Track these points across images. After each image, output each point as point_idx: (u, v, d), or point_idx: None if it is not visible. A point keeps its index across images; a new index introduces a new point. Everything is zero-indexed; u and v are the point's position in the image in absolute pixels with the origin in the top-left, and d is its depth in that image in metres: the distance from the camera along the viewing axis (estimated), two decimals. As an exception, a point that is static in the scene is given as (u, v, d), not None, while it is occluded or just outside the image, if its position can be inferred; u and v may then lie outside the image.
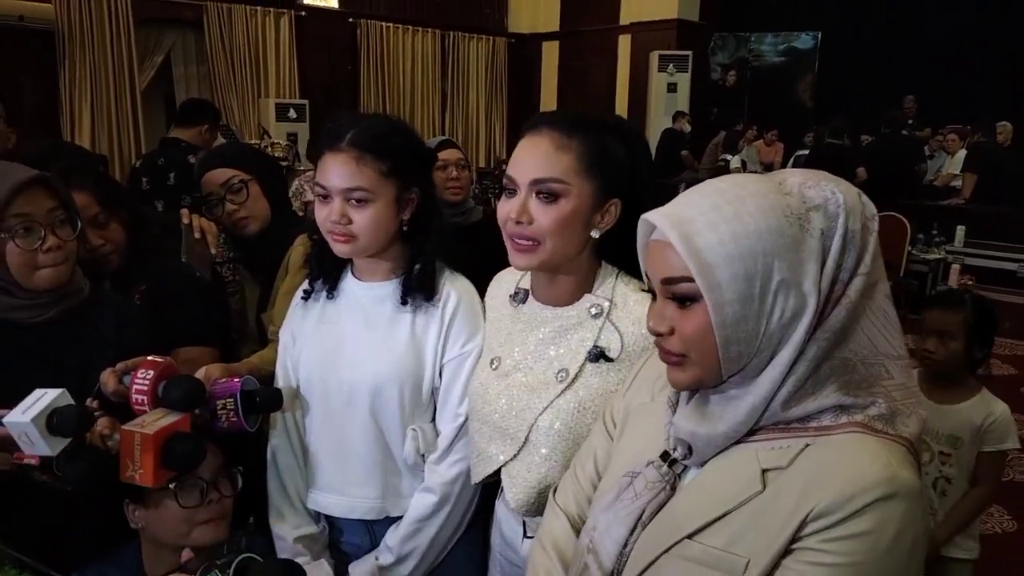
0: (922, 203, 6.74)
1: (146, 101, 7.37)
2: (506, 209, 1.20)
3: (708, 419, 0.87)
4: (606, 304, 1.23)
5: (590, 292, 1.26)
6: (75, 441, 1.13)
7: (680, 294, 0.84)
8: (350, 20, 8.71)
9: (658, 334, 0.88)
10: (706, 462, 0.88)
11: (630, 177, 1.21)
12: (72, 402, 1.13)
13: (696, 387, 0.89)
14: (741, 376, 0.85)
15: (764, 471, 0.82)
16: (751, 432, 0.84)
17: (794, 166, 8.07)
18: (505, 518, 1.35)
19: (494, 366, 1.31)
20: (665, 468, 0.91)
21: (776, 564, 0.79)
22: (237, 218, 1.85)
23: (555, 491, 1.15)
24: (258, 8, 7.88)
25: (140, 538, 1.34)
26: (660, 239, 0.85)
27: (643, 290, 1.22)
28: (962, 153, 7.21)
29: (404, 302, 1.37)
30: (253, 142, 6.65)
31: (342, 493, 1.43)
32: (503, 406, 1.26)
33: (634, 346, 1.20)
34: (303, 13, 8.26)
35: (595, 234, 1.21)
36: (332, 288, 1.43)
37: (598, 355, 1.21)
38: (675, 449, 0.91)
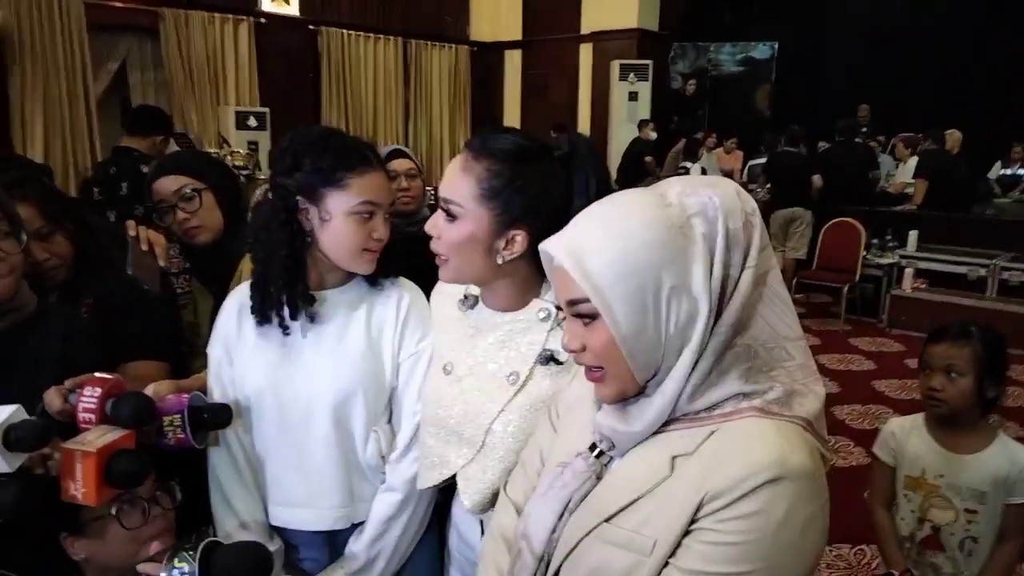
0: (876, 209, 6.90)
1: (101, 109, 7.19)
2: (428, 222, 1.24)
3: (625, 418, 0.93)
4: (554, 309, 1.24)
5: (538, 297, 1.27)
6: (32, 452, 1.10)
7: (582, 313, 0.90)
8: (311, 27, 8.63)
9: (572, 351, 0.94)
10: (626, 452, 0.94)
11: (550, 207, 1.19)
12: (27, 416, 1.10)
13: (622, 398, 0.94)
14: (655, 379, 0.90)
15: (673, 457, 0.88)
16: (666, 423, 0.90)
17: (748, 174, 8.23)
18: (462, 518, 1.36)
19: (447, 371, 1.32)
20: (592, 459, 0.97)
21: (678, 543, 0.85)
22: (188, 227, 1.81)
23: (505, 484, 1.19)
24: (216, 15, 7.76)
25: (81, 571, 1.29)
26: (559, 265, 0.90)
27: None
28: (914, 160, 7.39)
29: (373, 284, 1.39)
30: (213, 151, 6.55)
31: (306, 505, 1.40)
32: (458, 412, 1.27)
33: None
34: (263, 20, 8.16)
35: (499, 260, 1.21)
36: (301, 309, 1.35)
37: (548, 358, 1.23)
38: (601, 441, 0.97)
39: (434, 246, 1.24)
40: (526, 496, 1.10)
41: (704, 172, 8.11)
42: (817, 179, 6.82)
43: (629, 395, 0.93)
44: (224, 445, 1.41)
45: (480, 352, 1.29)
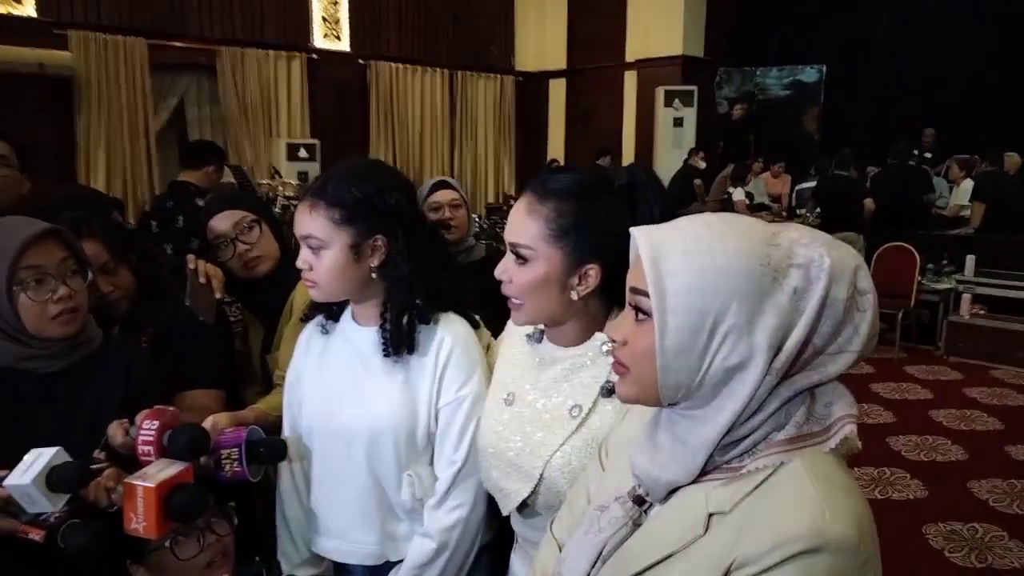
0: (931, 233, 6.72)
1: (160, 143, 7.50)
2: (498, 267, 1.25)
3: (657, 458, 0.88)
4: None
5: (601, 331, 1.27)
6: (77, 500, 1.15)
7: (640, 307, 0.85)
8: (360, 61, 8.88)
9: (613, 340, 0.90)
10: (666, 499, 0.89)
11: (614, 240, 1.18)
12: (69, 459, 1.16)
13: (635, 403, 0.90)
14: (684, 407, 0.85)
15: (709, 515, 0.82)
16: (704, 471, 0.85)
17: (797, 198, 8.10)
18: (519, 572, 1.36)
19: (508, 402, 1.33)
20: (630, 504, 0.92)
21: None
22: (250, 258, 1.85)
23: (552, 522, 1.16)
24: (270, 52, 8.05)
25: None
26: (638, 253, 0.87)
27: None
28: (968, 183, 7.20)
29: (387, 354, 1.37)
30: (265, 181, 6.75)
31: (342, 538, 1.44)
32: (518, 444, 1.28)
33: None
34: (314, 56, 8.43)
35: (574, 295, 1.22)
36: (334, 319, 1.46)
37: (610, 390, 1.21)
38: (639, 485, 0.92)
39: (506, 290, 1.24)
40: (570, 534, 1.08)
41: (751, 196, 8.04)
42: (869, 202, 6.69)
43: (645, 404, 0.90)
44: (290, 477, 1.48)
45: (543, 385, 1.29)
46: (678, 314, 0.80)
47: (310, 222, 1.32)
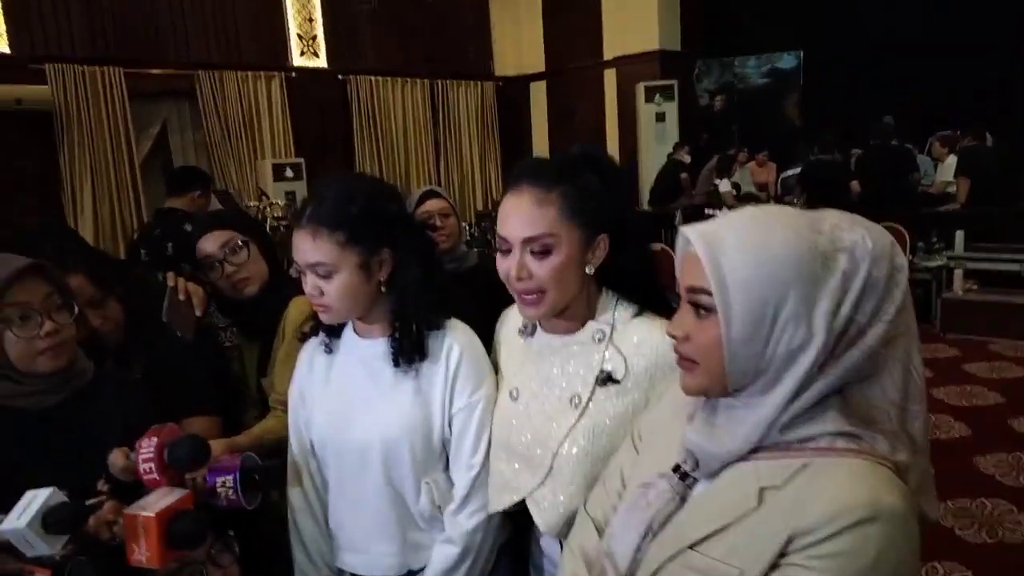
0: (919, 212, 6.74)
1: (145, 172, 7.49)
2: (505, 267, 1.25)
3: (714, 436, 0.92)
4: (607, 329, 1.29)
5: (593, 319, 1.31)
6: (80, 536, 1.13)
7: (699, 304, 0.90)
8: (339, 77, 8.88)
9: (675, 337, 0.95)
10: (713, 475, 0.93)
11: (611, 208, 1.26)
12: (64, 499, 1.14)
13: (702, 394, 0.95)
14: (747, 394, 0.90)
15: (761, 489, 0.87)
16: (755, 449, 0.89)
17: (782, 186, 8.13)
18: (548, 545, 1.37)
19: (514, 397, 1.36)
20: (676, 480, 0.97)
21: None
22: (238, 279, 1.83)
23: (586, 502, 1.20)
24: (248, 73, 8.04)
25: None
26: (692, 251, 0.90)
27: (637, 315, 1.30)
28: (952, 159, 7.23)
29: (396, 364, 1.37)
30: (252, 203, 6.74)
31: (363, 551, 1.44)
32: (528, 438, 1.31)
33: (636, 367, 1.25)
34: (293, 74, 8.43)
35: (590, 270, 1.26)
36: (335, 335, 1.46)
37: (606, 378, 1.26)
38: (686, 462, 0.96)
39: (525, 286, 1.24)
40: (606, 515, 1.11)
41: (737, 187, 8.05)
42: (855, 185, 6.71)
43: (711, 395, 0.94)
44: (302, 496, 1.48)
45: (543, 377, 1.33)
46: (742, 306, 0.85)
47: (315, 250, 1.30)
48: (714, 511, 0.90)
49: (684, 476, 0.96)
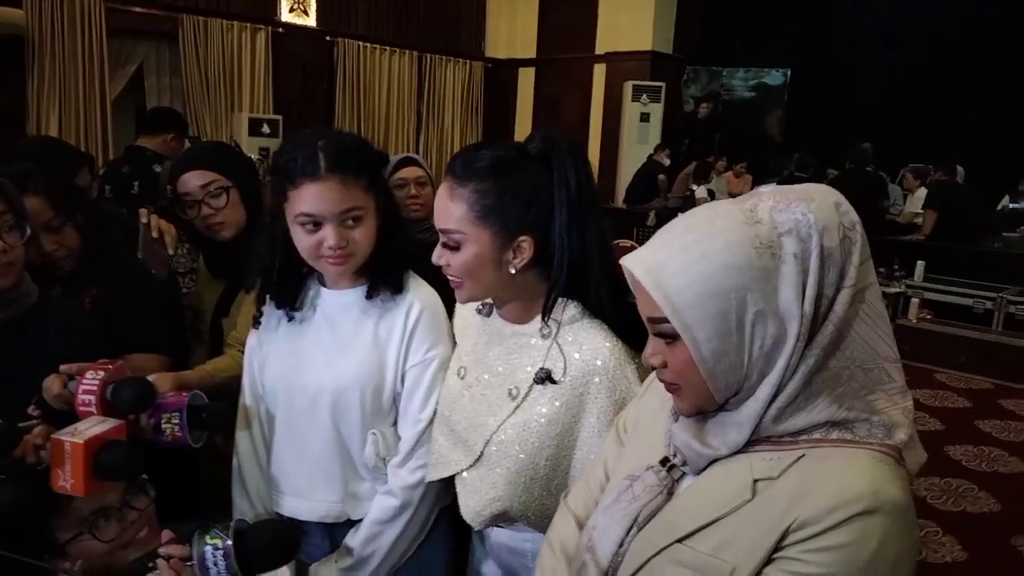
0: (884, 238, 6.88)
1: (116, 111, 7.28)
2: (434, 254, 1.25)
3: (703, 435, 0.90)
4: (554, 327, 1.26)
5: (542, 313, 1.27)
6: (5, 460, 1.10)
7: (662, 332, 0.87)
8: (327, 38, 8.72)
9: (653, 366, 0.92)
10: (703, 470, 0.90)
11: (544, 208, 1.20)
12: None
13: (699, 413, 0.91)
14: (738, 399, 0.87)
15: (755, 481, 0.84)
16: (749, 443, 0.86)
17: (760, 198, 8.20)
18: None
19: (461, 376, 1.36)
20: (664, 473, 0.94)
21: (759, 572, 0.81)
22: (213, 223, 1.79)
23: (566, 494, 1.17)
24: (235, 23, 7.85)
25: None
26: (640, 283, 0.87)
27: (585, 317, 1.25)
28: (922, 191, 7.39)
29: (370, 296, 1.38)
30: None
31: (305, 496, 1.45)
32: (464, 418, 1.31)
33: (575, 371, 1.22)
34: (280, 30, 8.26)
35: (511, 270, 1.22)
36: (298, 306, 1.43)
37: (544, 377, 1.24)
38: (674, 455, 0.94)
39: (446, 272, 1.25)
40: (586, 507, 1.08)
41: (712, 194, 8.13)
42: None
43: (706, 411, 0.90)
44: (248, 440, 1.47)
45: (489, 362, 1.32)
46: (702, 324, 0.82)
47: (347, 197, 1.29)
48: (705, 504, 0.87)
49: (672, 468, 0.94)
